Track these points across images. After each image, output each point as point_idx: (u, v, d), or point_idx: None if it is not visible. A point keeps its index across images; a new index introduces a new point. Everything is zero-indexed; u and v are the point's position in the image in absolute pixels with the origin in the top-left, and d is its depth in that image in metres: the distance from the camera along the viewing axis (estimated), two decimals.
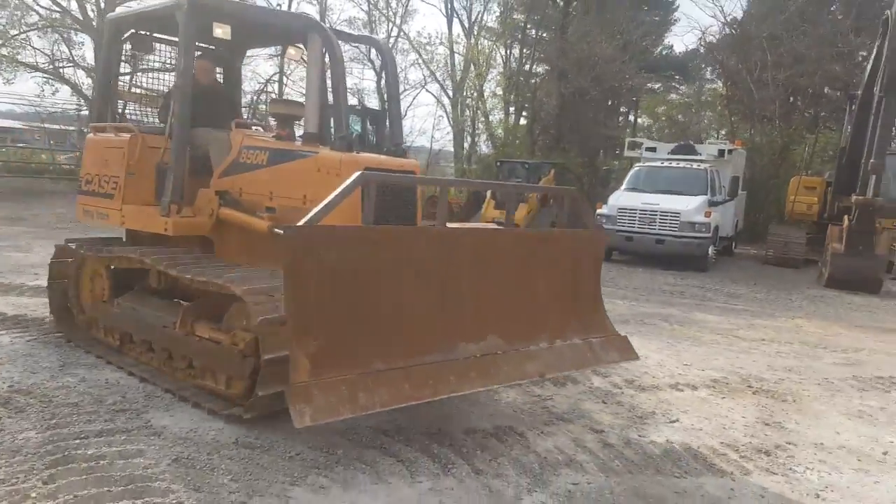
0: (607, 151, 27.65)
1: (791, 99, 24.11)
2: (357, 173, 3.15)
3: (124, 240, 5.27)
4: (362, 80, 29.94)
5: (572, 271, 4.10)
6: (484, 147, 28.56)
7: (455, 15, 28.65)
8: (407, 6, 29.85)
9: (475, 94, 28.37)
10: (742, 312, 8.69)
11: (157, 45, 5.52)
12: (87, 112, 23.36)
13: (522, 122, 27.60)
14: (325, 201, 2.96)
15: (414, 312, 3.32)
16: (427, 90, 28.47)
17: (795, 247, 14.39)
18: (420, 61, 27.80)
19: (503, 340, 3.61)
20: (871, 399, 5.10)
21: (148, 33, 5.25)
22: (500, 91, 28.54)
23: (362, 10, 32.50)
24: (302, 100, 5.13)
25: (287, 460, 3.29)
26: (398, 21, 29.49)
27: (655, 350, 6.10)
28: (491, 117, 28.69)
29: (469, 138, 28.78)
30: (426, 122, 60.90)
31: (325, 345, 2.93)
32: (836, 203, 13.83)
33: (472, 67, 27.58)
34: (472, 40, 28.02)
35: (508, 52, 28.32)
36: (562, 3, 26.77)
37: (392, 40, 27.28)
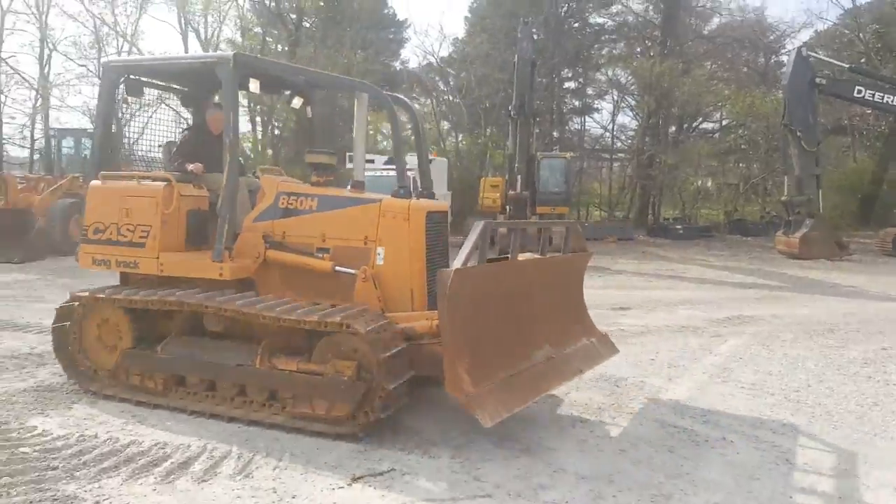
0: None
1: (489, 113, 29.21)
2: (480, 223, 3.83)
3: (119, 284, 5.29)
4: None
5: (573, 286, 5.06)
6: None
7: (191, 28, 28.50)
8: (137, 24, 29.35)
9: None
10: None
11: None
12: None
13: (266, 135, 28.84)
14: (466, 247, 3.67)
15: (513, 329, 4.15)
16: (168, 105, 27.93)
17: None
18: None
19: (552, 347, 4.44)
20: None
21: (140, 78, 5.55)
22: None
23: (86, 27, 30.17)
24: None
25: (70, 393, 4.97)
26: (130, 38, 28.96)
27: None
28: None
29: None
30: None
31: (473, 361, 3.63)
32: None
33: None
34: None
35: None
36: (293, 26, 28.14)
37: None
